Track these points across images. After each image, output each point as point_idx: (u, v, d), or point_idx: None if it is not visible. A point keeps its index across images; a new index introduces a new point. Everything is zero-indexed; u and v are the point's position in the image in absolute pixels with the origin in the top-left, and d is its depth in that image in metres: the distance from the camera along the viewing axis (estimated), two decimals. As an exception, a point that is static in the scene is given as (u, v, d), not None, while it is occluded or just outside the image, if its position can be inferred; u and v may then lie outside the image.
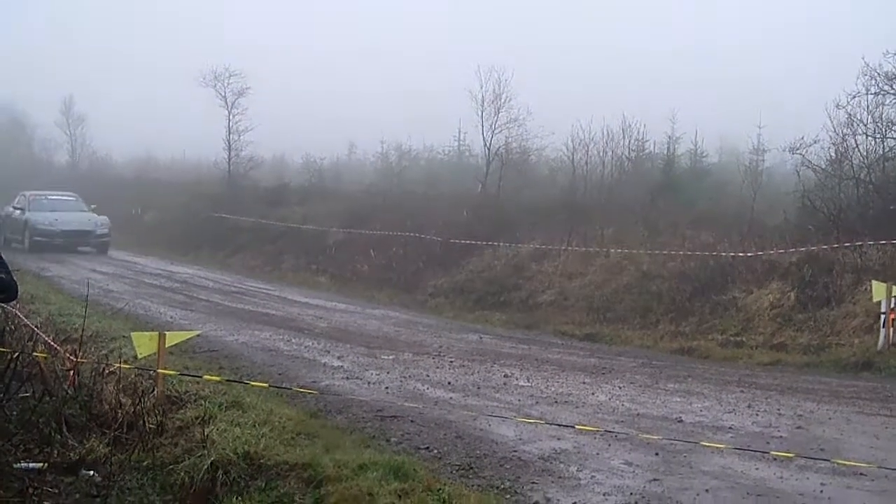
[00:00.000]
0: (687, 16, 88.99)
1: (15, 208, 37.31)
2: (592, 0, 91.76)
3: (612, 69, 68.41)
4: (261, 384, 11.22)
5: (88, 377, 10.61)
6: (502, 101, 36.57)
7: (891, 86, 21.56)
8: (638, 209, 27.28)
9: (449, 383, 13.06)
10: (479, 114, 36.85)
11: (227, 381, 11.28)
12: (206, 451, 8.54)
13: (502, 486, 8.27)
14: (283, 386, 11.79)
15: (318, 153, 48.85)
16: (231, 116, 45.25)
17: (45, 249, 33.74)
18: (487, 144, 36.63)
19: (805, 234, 20.88)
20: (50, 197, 38.36)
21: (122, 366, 10.67)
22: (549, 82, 59.83)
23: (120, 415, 9.53)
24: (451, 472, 8.68)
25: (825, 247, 19.45)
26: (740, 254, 20.64)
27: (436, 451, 9.39)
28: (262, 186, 43.22)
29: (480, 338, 18.45)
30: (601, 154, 34.07)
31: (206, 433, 8.97)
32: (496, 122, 36.65)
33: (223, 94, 45.31)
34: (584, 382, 13.50)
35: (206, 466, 8.32)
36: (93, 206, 38.07)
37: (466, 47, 65.38)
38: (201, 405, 10.07)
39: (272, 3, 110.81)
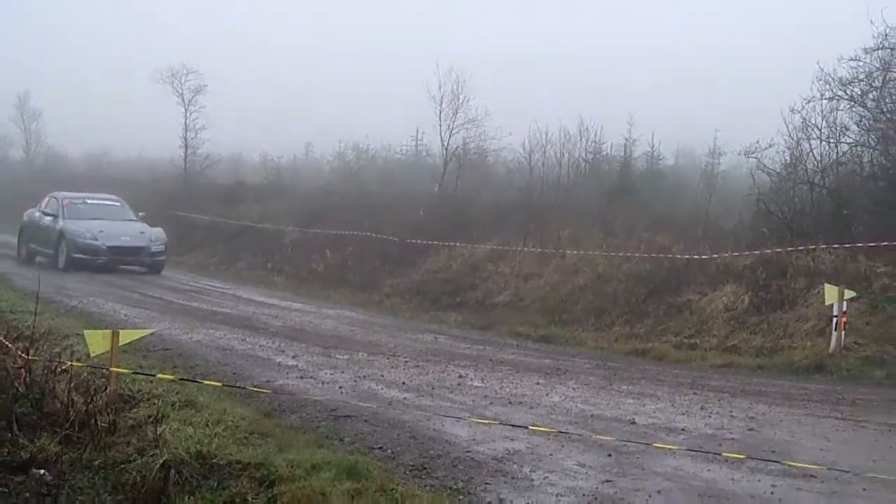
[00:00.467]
0: (646, 21, 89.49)
1: (45, 214, 29.73)
2: (550, 4, 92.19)
3: (570, 72, 68.78)
4: (214, 383, 11.15)
5: (40, 375, 10.49)
6: (460, 101, 36.74)
7: (844, 91, 21.80)
8: (594, 211, 27.41)
9: (403, 383, 13.04)
10: (438, 114, 36.98)
11: (181, 379, 11.21)
12: (158, 451, 8.47)
13: (455, 487, 8.26)
14: (237, 385, 11.74)
15: (276, 152, 48.96)
16: (188, 114, 45.20)
17: (84, 269, 27.16)
18: (445, 144, 36.76)
19: (759, 237, 21.08)
20: (89, 201, 30.61)
21: (74, 364, 10.58)
22: (507, 83, 60.06)
23: (72, 413, 9.44)
24: (405, 472, 8.67)
25: (779, 250, 19.64)
26: (695, 256, 20.78)
27: (389, 451, 9.38)
28: (219, 184, 43.10)
29: (436, 338, 18.45)
30: (558, 156, 34.25)
31: (158, 432, 8.90)
32: (454, 122, 36.80)
33: (180, 91, 45.26)
34: (538, 383, 13.53)
35: (158, 466, 8.24)
36: (141, 214, 30.85)
37: (426, 47, 65.52)
38: (154, 404, 10.00)
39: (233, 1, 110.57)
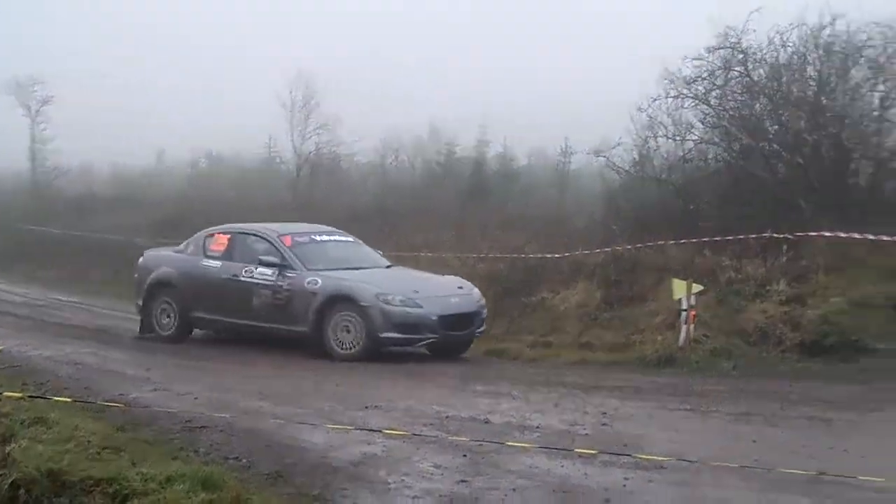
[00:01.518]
0: (493, 26, 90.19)
1: (267, 264, 17.17)
2: (396, 9, 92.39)
3: (420, 76, 68.96)
4: (64, 399, 10.96)
5: None
6: (311, 106, 36.75)
7: (689, 89, 22.24)
8: (448, 213, 27.56)
9: (260, 392, 12.95)
10: (289, 120, 36.95)
11: (30, 397, 10.99)
12: (6, 471, 8.32)
13: (312, 493, 8.26)
14: (89, 400, 11.53)
15: (127, 160, 48.24)
16: (34, 125, 44.28)
17: (393, 356, 16.39)
18: (297, 150, 36.71)
19: (610, 234, 21.39)
20: (317, 237, 18.59)
21: (-83, 385, 10.35)
22: (357, 89, 60.02)
23: (-86, 436, 9.24)
24: (261, 480, 8.62)
25: (629, 247, 19.97)
26: (548, 255, 21.00)
27: (245, 461, 9.32)
28: (69, 196, 42.26)
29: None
30: (411, 159, 34.49)
31: (6, 452, 8.74)
32: (306, 127, 36.80)
33: (26, 102, 44.32)
34: (394, 387, 13.58)
35: (6, 486, 8.11)
36: (379, 252, 19.43)
37: (275, 51, 65.25)
38: (2, 423, 9.80)
39: (76, 7, 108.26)
